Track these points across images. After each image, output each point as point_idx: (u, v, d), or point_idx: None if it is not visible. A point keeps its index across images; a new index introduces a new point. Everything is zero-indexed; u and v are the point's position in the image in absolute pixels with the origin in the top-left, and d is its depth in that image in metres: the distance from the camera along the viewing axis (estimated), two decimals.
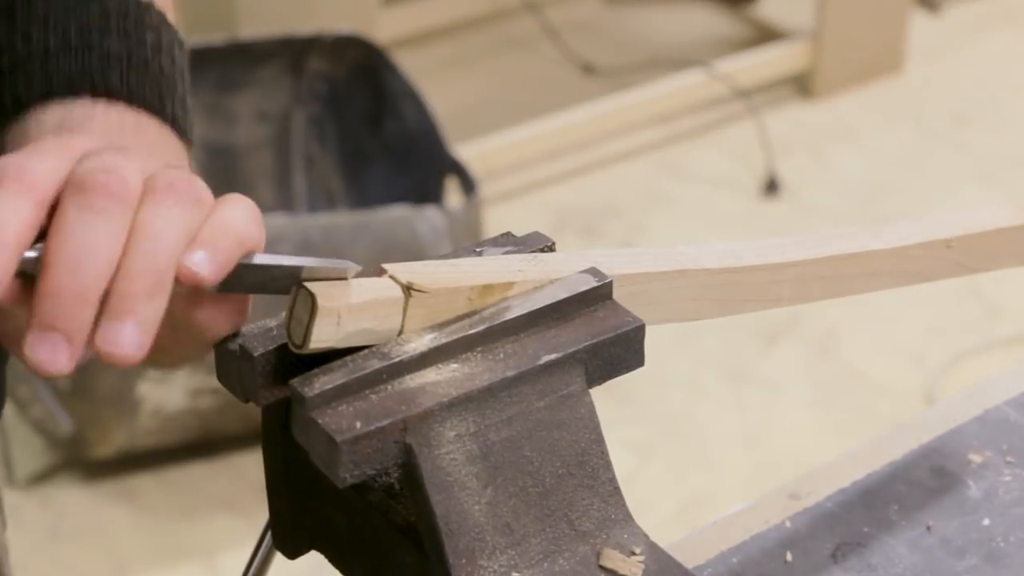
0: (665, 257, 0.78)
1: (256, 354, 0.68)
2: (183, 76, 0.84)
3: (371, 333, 0.68)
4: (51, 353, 0.63)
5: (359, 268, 0.68)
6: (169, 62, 0.82)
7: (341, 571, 0.75)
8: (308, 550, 0.76)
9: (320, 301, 0.66)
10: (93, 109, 0.78)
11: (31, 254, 0.64)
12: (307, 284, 0.67)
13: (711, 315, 0.80)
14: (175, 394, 2.08)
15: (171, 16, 0.86)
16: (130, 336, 0.64)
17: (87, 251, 0.63)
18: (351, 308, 0.67)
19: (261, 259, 0.68)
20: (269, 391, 0.69)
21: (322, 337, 0.67)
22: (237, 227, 0.67)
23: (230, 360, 0.69)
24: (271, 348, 0.68)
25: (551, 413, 0.70)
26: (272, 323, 0.69)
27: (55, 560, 2.09)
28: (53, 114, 0.78)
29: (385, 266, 0.70)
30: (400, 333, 0.69)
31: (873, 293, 0.87)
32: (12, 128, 0.78)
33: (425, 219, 2.08)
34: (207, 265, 0.65)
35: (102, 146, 0.68)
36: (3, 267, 0.63)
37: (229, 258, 0.66)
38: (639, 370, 0.73)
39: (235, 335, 0.69)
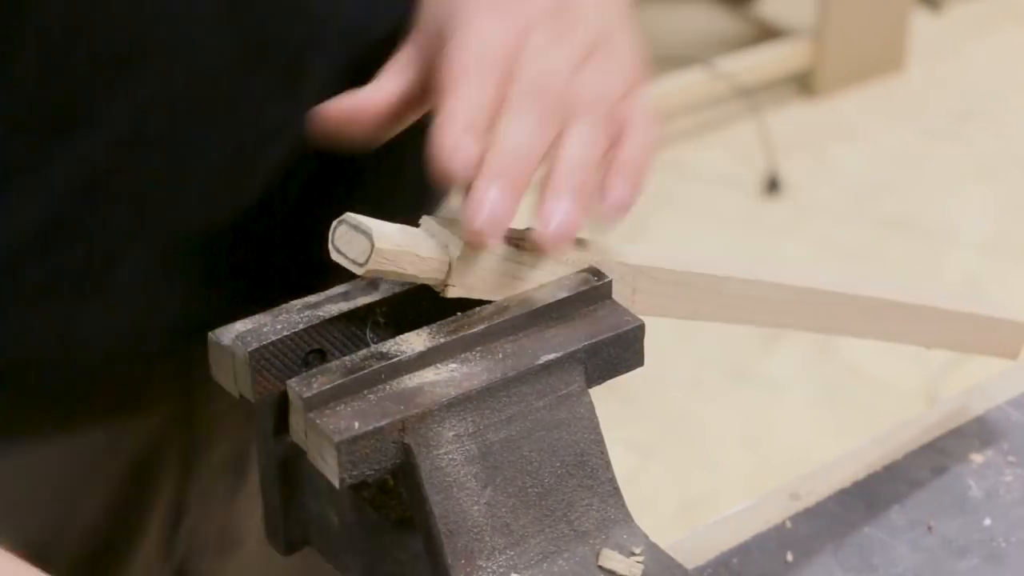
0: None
1: (250, 349, 0.68)
2: None
3: (427, 266, 0.70)
4: (501, 199, 0.68)
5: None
6: None
7: (335, 567, 0.75)
8: (302, 546, 0.76)
9: (376, 243, 0.68)
10: None
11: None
12: (353, 216, 0.68)
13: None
14: None
15: None
16: (567, 215, 0.70)
17: (524, 143, 0.70)
18: (403, 250, 0.69)
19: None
20: (263, 386, 0.68)
21: (381, 263, 0.68)
22: (630, 157, 0.73)
23: (224, 355, 0.69)
24: (265, 343, 0.68)
25: (550, 413, 0.69)
26: (266, 318, 0.69)
27: None
28: None
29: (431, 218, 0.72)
30: (450, 273, 0.70)
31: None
32: None
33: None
34: (627, 197, 0.72)
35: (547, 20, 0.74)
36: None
37: (628, 181, 0.73)
38: (639, 369, 0.73)
39: (229, 328, 0.69)
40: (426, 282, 0.70)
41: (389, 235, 0.68)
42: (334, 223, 0.69)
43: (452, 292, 0.70)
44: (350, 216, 0.68)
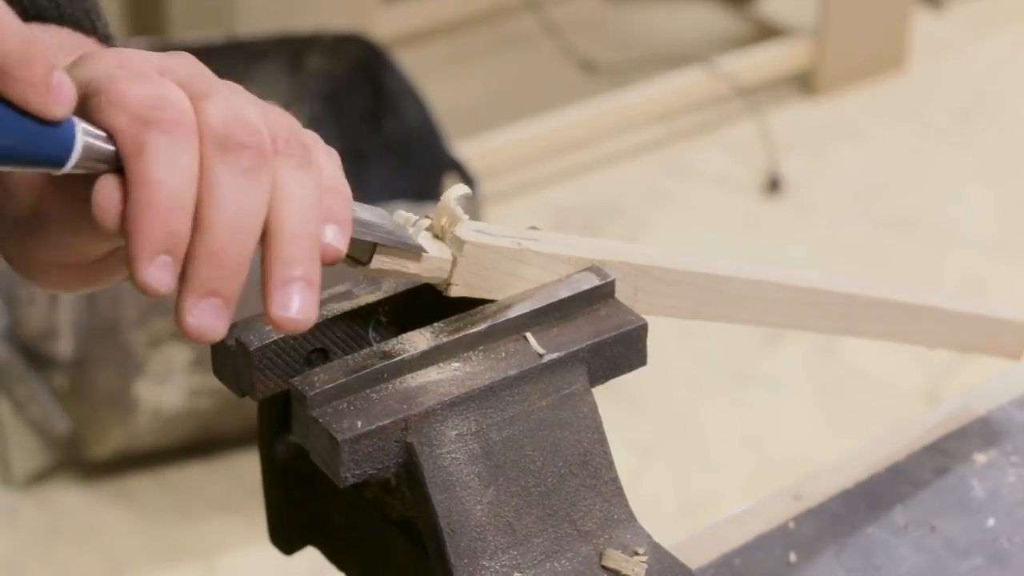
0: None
1: (252, 348, 0.67)
2: None
3: (429, 265, 0.69)
4: (214, 319, 0.61)
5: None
6: None
7: (337, 566, 0.75)
8: (304, 546, 0.76)
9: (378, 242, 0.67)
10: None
11: (106, 146, 0.61)
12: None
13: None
14: (173, 395, 2.08)
15: None
16: (306, 298, 0.62)
17: (244, 211, 0.61)
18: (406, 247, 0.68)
19: (363, 216, 0.68)
20: (266, 385, 0.68)
21: (383, 263, 0.67)
22: (343, 186, 0.66)
23: (226, 354, 0.69)
24: (268, 342, 0.68)
25: (553, 412, 0.69)
26: None
27: (52, 561, 2.09)
28: None
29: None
30: (452, 272, 0.69)
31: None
32: None
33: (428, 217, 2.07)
34: (341, 239, 0.64)
35: (179, 62, 0.65)
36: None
37: (349, 224, 0.65)
38: (641, 369, 0.73)
39: (232, 327, 0.69)
40: (429, 281, 0.70)
41: (394, 239, 0.68)
42: None
43: (455, 291, 0.70)
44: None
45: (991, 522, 0.91)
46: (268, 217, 0.62)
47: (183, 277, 0.61)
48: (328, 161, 0.66)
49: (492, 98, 2.99)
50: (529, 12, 3.12)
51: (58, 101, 0.59)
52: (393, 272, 0.68)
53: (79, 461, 2.18)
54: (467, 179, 2.20)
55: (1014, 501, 0.93)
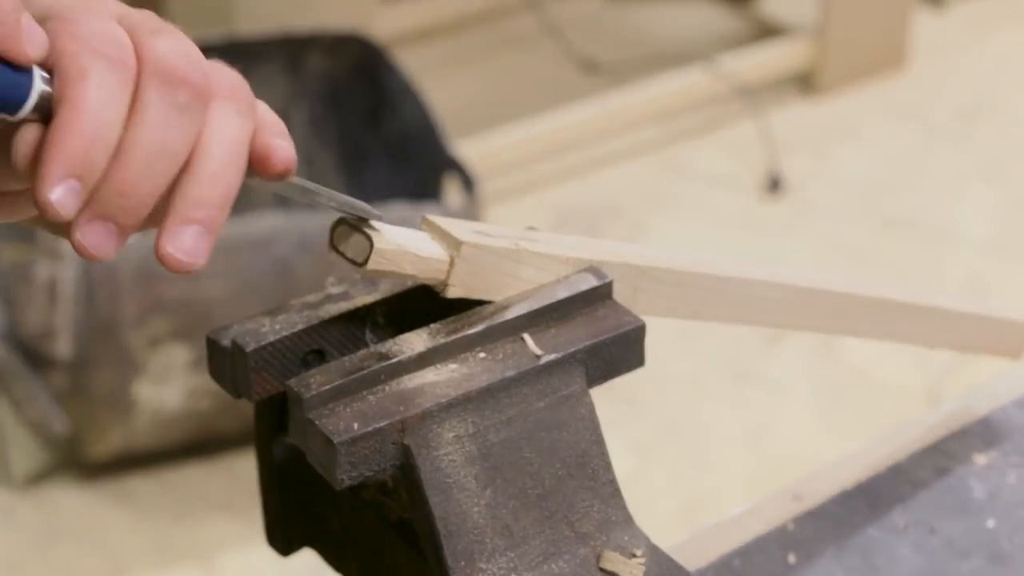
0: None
1: (249, 349, 0.67)
2: None
3: (426, 266, 0.69)
4: (104, 240, 0.61)
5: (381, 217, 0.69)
6: None
7: (335, 568, 0.75)
8: (301, 547, 0.76)
9: (376, 243, 0.67)
10: None
11: (46, 88, 0.60)
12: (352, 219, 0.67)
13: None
14: (173, 395, 2.07)
15: None
16: (200, 242, 0.62)
17: (167, 149, 0.61)
18: (403, 250, 0.68)
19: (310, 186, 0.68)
20: (262, 387, 0.68)
21: (380, 263, 0.67)
22: (275, 119, 0.66)
23: (223, 356, 0.69)
24: (264, 343, 0.68)
25: (551, 414, 0.69)
26: (265, 318, 0.69)
27: (51, 561, 2.08)
28: None
29: (431, 217, 0.71)
30: (449, 274, 0.69)
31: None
32: None
33: (425, 217, 2.07)
34: (289, 148, 0.65)
35: (136, 11, 0.66)
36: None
37: (292, 148, 0.66)
38: (641, 369, 0.73)
39: (227, 329, 0.69)
40: (426, 282, 0.70)
41: (388, 235, 0.68)
42: (333, 222, 0.68)
43: (452, 292, 0.69)
44: (350, 216, 0.68)
45: (991, 523, 0.91)
46: (192, 154, 0.62)
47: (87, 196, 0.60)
48: (273, 117, 0.66)
49: (492, 98, 2.98)
50: (529, 12, 3.12)
51: (31, 40, 0.60)
52: (391, 273, 0.68)
53: (78, 461, 2.18)
54: (467, 179, 2.20)
55: (1014, 502, 0.93)
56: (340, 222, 0.68)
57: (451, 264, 0.69)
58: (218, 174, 0.62)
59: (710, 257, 0.81)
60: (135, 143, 0.61)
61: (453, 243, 0.69)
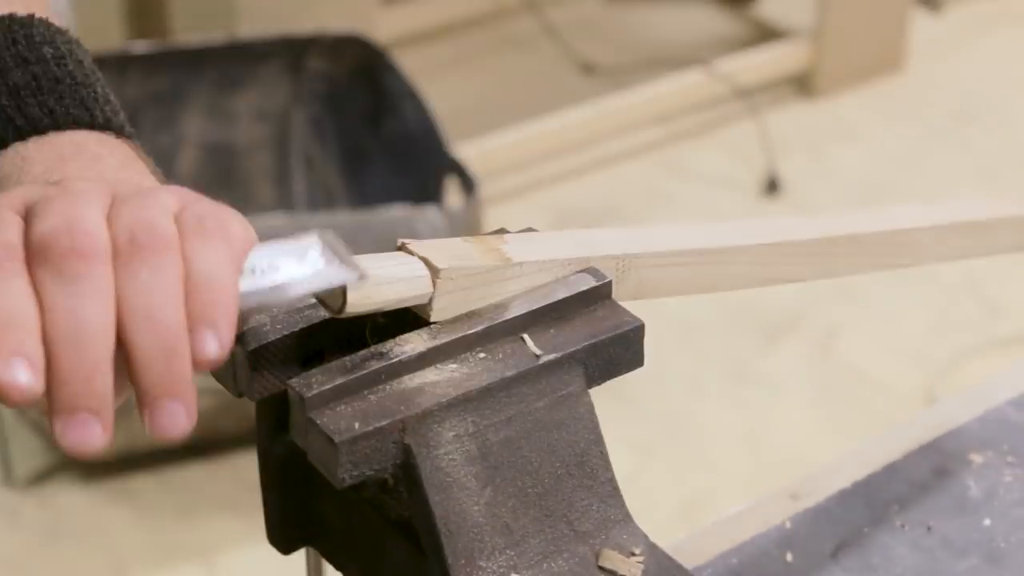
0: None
1: (250, 348, 0.68)
2: (95, 74, 0.78)
3: (406, 300, 0.68)
4: (84, 434, 0.61)
5: (358, 275, 0.66)
6: (79, 67, 0.77)
7: (335, 566, 0.75)
8: (302, 546, 0.76)
9: (350, 290, 0.66)
10: (25, 151, 0.74)
11: None
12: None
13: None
14: None
15: (49, 15, 0.79)
16: (180, 417, 0.62)
17: (83, 324, 0.60)
18: (379, 288, 0.67)
19: (254, 294, 0.64)
20: (263, 386, 0.68)
21: (356, 308, 0.66)
22: (226, 283, 0.62)
23: None
24: (265, 343, 0.68)
25: (550, 413, 0.69)
26: (266, 318, 0.69)
27: (54, 560, 2.09)
28: None
29: (408, 243, 0.70)
30: (431, 301, 0.68)
31: (873, 292, 0.88)
32: None
33: (425, 219, 2.07)
34: (216, 344, 0.62)
35: (40, 190, 0.65)
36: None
37: (232, 323, 0.62)
38: (640, 368, 0.73)
39: None
40: (409, 307, 0.69)
41: (361, 285, 0.67)
42: None
43: (436, 317, 0.69)
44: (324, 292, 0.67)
45: (987, 522, 0.91)
46: (123, 332, 0.60)
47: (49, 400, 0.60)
48: (214, 255, 0.63)
49: (492, 99, 2.99)
50: (529, 14, 3.12)
51: None
52: (372, 311, 0.68)
53: (80, 461, 2.18)
54: (467, 180, 2.21)
55: (1010, 501, 0.93)
56: None
57: (432, 293, 0.69)
58: (149, 352, 0.61)
59: (703, 229, 0.79)
60: (48, 327, 0.59)
61: (432, 270, 0.69)
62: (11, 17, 0.77)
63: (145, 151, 0.77)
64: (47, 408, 0.61)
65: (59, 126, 0.75)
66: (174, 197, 0.64)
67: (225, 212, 0.65)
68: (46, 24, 0.78)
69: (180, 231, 0.63)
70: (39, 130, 0.74)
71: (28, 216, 0.62)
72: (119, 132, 0.77)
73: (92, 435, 0.61)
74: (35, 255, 0.61)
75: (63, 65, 0.76)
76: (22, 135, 0.74)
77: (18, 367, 0.59)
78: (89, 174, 0.70)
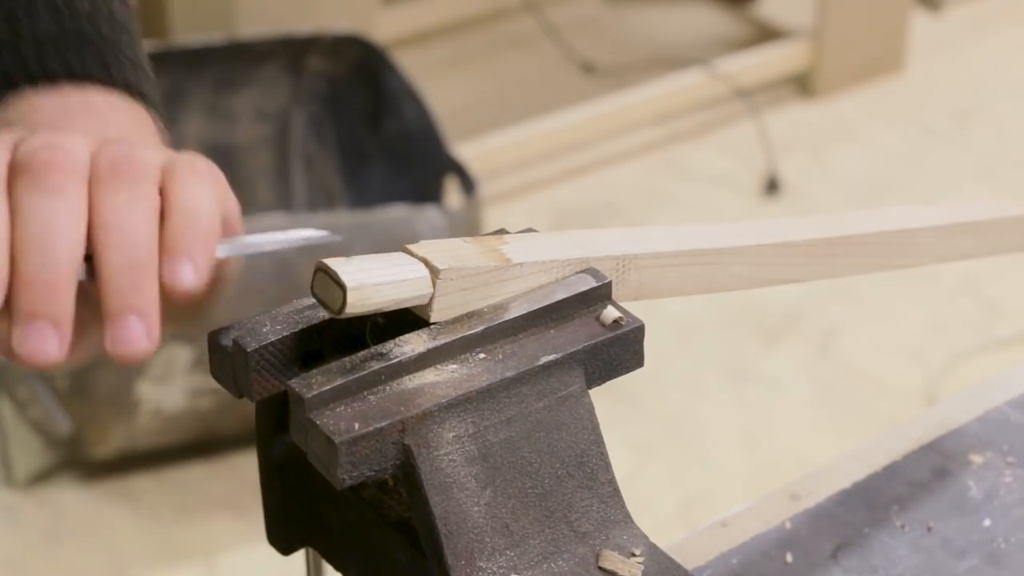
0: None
1: (250, 349, 0.68)
2: (130, 36, 0.79)
3: (406, 301, 0.68)
4: (40, 341, 0.61)
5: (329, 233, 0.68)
6: (109, 27, 0.77)
7: (335, 567, 0.75)
8: (302, 546, 0.76)
9: (349, 290, 0.66)
10: (36, 100, 0.74)
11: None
12: (328, 264, 0.67)
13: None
14: (174, 394, 2.08)
15: None
16: (141, 332, 0.62)
17: (51, 232, 0.61)
18: (379, 289, 0.67)
19: (243, 245, 0.67)
20: (263, 386, 0.68)
21: (356, 309, 0.67)
22: (208, 216, 0.64)
23: (224, 355, 0.69)
24: (265, 343, 0.68)
25: (550, 414, 0.69)
26: (265, 318, 0.69)
27: (54, 560, 2.09)
28: None
29: (411, 247, 0.70)
30: (431, 302, 0.68)
31: (873, 292, 0.88)
32: None
33: (425, 219, 2.08)
34: (191, 273, 0.63)
35: (31, 131, 0.66)
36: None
37: (209, 256, 0.64)
38: (640, 369, 0.73)
39: (228, 329, 0.69)
40: (409, 307, 0.69)
41: (361, 286, 0.67)
42: (314, 268, 0.68)
43: (436, 317, 0.69)
44: (326, 265, 0.68)
45: (987, 522, 0.91)
46: (93, 247, 0.62)
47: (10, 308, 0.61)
48: (197, 190, 0.64)
49: (492, 99, 2.99)
50: (529, 13, 3.12)
51: None
52: (372, 312, 0.68)
53: (80, 461, 2.18)
54: (467, 180, 2.21)
55: (1010, 501, 0.93)
56: (317, 270, 0.68)
57: (433, 291, 0.69)
58: (119, 263, 0.62)
59: (700, 230, 0.79)
60: (19, 234, 0.60)
61: (432, 271, 0.69)
62: None
63: (161, 123, 0.77)
64: (8, 318, 0.61)
65: (74, 78, 0.75)
66: (165, 153, 0.66)
67: (218, 171, 0.66)
68: None
69: (167, 170, 0.64)
70: (55, 79, 0.75)
71: (15, 149, 0.64)
72: (138, 95, 0.77)
73: (49, 345, 0.61)
74: (16, 171, 0.62)
75: (93, 22, 0.76)
76: (36, 84, 0.74)
77: None
78: (90, 132, 0.70)
